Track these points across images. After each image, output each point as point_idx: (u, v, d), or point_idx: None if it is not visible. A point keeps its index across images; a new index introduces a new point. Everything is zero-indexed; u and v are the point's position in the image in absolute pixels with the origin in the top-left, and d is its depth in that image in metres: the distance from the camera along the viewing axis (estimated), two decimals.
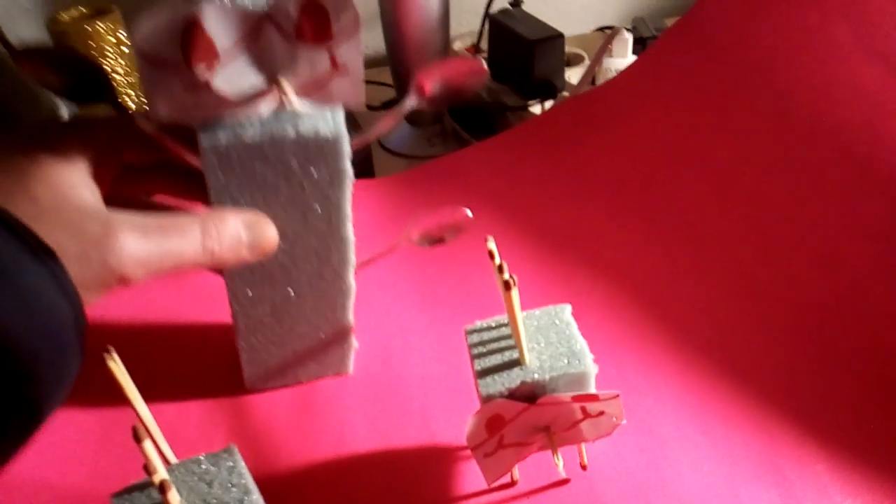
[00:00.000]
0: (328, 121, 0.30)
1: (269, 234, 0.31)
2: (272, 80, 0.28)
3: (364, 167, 0.59)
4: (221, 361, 0.39)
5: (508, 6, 0.68)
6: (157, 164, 0.33)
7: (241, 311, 0.35)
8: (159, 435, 0.28)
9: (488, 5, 0.66)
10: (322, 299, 0.36)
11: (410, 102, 0.34)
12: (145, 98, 0.27)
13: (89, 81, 0.31)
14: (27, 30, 0.74)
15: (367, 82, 0.74)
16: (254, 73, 0.28)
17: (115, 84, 0.56)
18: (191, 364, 0.41)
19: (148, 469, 0.24)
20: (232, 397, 0.39)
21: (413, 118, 0.67)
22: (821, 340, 0.40)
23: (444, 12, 0.61)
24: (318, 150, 0.30)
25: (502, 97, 0.65)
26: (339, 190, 0.32)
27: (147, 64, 0.26)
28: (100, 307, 0.28)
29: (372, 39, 0.84)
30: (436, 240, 0.37)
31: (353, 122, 0.61)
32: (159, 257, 0.27)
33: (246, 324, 0.36)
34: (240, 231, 0.30)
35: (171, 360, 0.41)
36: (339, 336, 0.38)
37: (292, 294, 0.35)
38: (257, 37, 0.27)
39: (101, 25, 0.62)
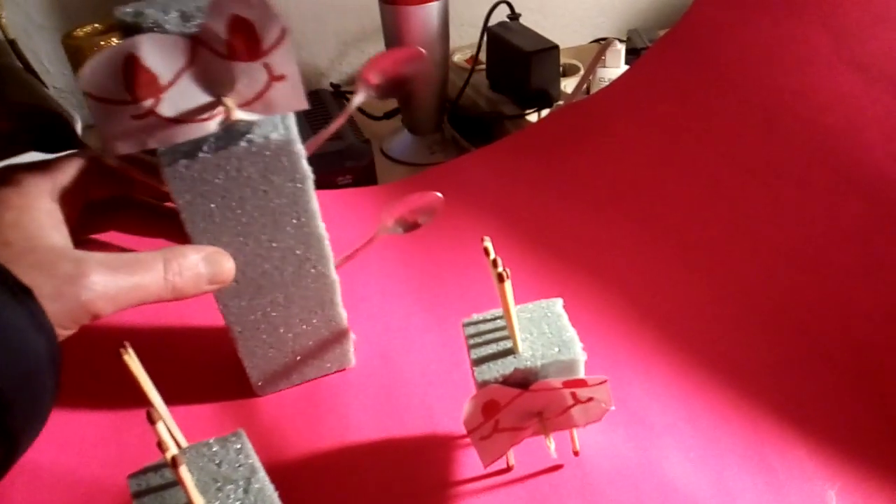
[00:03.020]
0: (279, 126, 0.31)
1: (227, 266, 0.33)
2: (216, 99, 0.29)
3: (367, 175, 0.61)
4: (229, 364, 0.40)
5: (506, 19, 0.70)
6: (117, 202, 0.35)
7: (235, 322, 0.36)
8: (171, 421, 0.30)
9: (487, 18, 0.69)
10: (310, 298, 0.37)
11: (360, 97, 0.36)
12: (100, 135, 0.28)
13: (54, 132, 0.32)
14: (42, 46, 0.76)
15: None
16: (197, 94, 0.29)
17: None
18: (200, 368, 0.42)
19: (161, 446, 0.26)
20: (240, 400, 0.40)
21: (414, 127, 0.69)
22: (802, 334, 0.42)
23: (444, 25, 0.63)
24: (274, 156, 0.31)
25: (500, 106, 0.67)
26: (302, 190, 0.33)
27: (95, 102, 0.27)
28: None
29: (375, 52, 0.86)
30: (410, 225, 0.38)
31: (356, 130, 0.63)
32: (126, 292, 0.29)
33: (243, 334, 0.37)
34: (199, 265, 0.32)
35: (180, 363, 0.42)
36: (336, 330, 0.39)
37: (280, 297, 0.36)
38: (193, 60, 0.28)
39: (115, 41, 0.65)
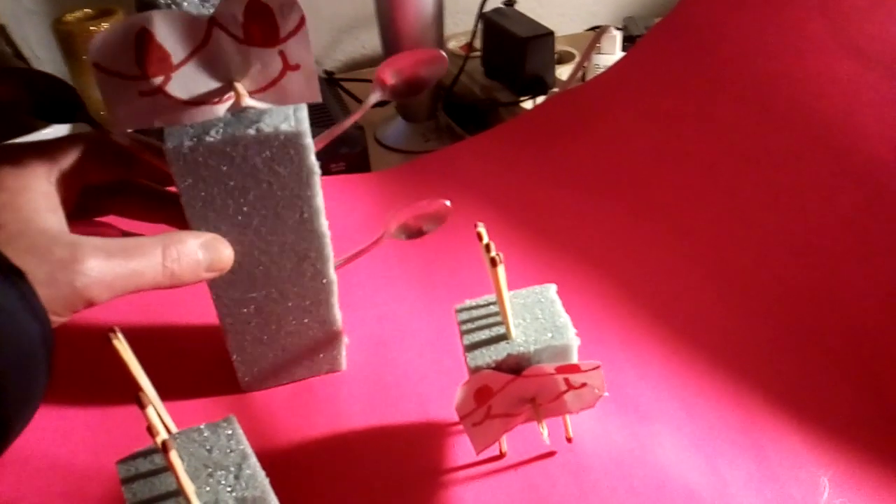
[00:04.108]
0: (290, 117, 0.30)
1: (226, 253, 0.32)
2: (227, 83, 0.29)
3: (360, 162, 0.60)
4: (218, 361, 0.40)
5: (502, 5, 0.69)
6: (116, 186, 0.34)
7: (227, 313, 0.36)
8: (161, 407, 0.30)
9: (482, 5, 0.68)
10: (305, 296, 0.36)
11: (375, 97, 0.35)
12: (106, 110, 0.28)
13: (62, 101, 0.31)
14: (32, 31, 0.75)
15: (365, 80, 0.76)
16: (208, 76, 0.28)
17: (93, 107, 0.54)
18: (191, 361, 0.41)
19: (151, 431, 0.25)
20: (229, 396, 0.39)
21: (408, 115, 0.68)
22: (797, 321, 0.42)
23: (439, 12, 0.62)
24: (281, 147, 0.31)
25: (495, 93, 0.67)
26: (308, 185, 0.32)
27: (105, 77, 0.27)
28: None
29: (369, 39, 0.86)
30: (415, 231, 0.38)
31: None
32: (123, 279, 0.28)
33: (234, 326, 0.36)
34: (197, 251, 0.31)
35: (169, 356, 0.41)
36: (329, 332, 0.38)
37: (274, 292, 0.35)
38: (207, 41, 0.27)
39: (106, 26, 0.64)
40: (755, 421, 0.36)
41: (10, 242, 0.26)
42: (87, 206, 0.33)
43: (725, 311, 0.43)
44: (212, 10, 0.27)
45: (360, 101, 0.72)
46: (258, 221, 0.33)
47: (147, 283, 0.29)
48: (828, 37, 0.48)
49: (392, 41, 0.64)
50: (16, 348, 0.24)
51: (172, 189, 0.35)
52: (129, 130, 0.30)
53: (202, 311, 0.44)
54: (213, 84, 0.29)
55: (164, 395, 0.33)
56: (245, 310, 0.36)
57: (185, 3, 0.28)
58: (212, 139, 0.30)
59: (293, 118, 0.31)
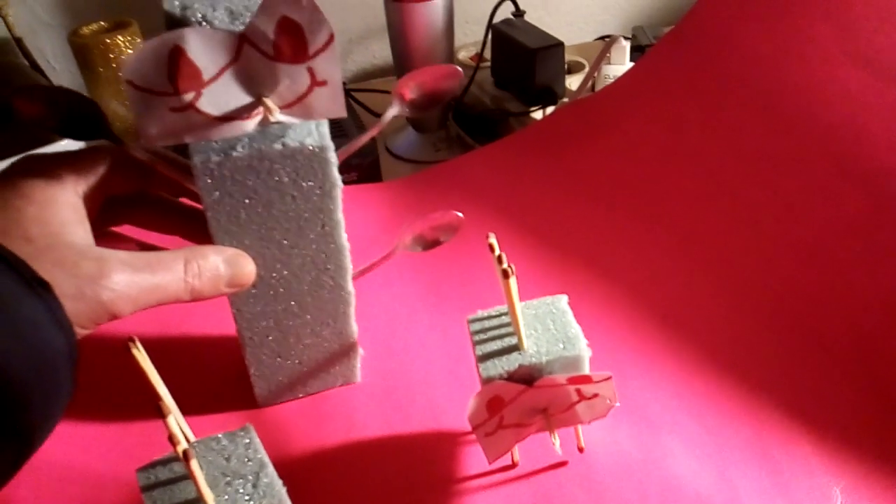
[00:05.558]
0: (313, 132, 0.31)
1: (248, 269, 0.33)
2: (256, 99, 0.29)
3: (372, 172, 0.61)
4: (234, 375, 0.40)
5: (511, 16, 0.70)
6: (134, 197, 0.34)
7: (247, 327, 0.36)
8: (180, 416, 0.30)
9: (491, 16, 0.69)
10: (323, 308, 0.36)
11: (393, 111, 0.36)
12: (136, 125, 0.28)
13: (84, 118, 0.32)
14: (49, 44, 0.76)
15: (375, 91, 0.77)
16: (238, 92, 0.29)
17: (109, 119, 0.55)
18: (204, 378, 0.41)
19: (172, 440, 0.26)
20: (245, 411, 0.39)
21: (419, 125, 0.69)
22: (806, 329, 0.42)
23: (449, 23, 0.63)
24: (306, 161, 0.31)
25: (505, 104, 0.67)
26: (330, 198, 0.33)
27: (137, 93, 0.27)
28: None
29: (380, 50, 0.87)
30: (430, 243, 0.38)
31: (360, 128, 0.64)
32: (147, 293, 0.28)
33: (252, 340, 0.36)
34: (219, 266, 0.31)
35: (184, 373, 0.40)
36: (345, 344, 0.39)
37: (294, 305, 0.36)
38: (238, 58, 0.28)
39: (121, 39, 0.65)
40: (766, 431, 0.37)
41: (39, 256, 0.26)
42: (105, 216, 0.33)
43: (736, 320, 0.43)
44: (242, 27, 0.28)
45: (371, 112, 0.72)
46: (280, 235, 0.33)
47: (169, 297, 0.30)
48: (834, 45, 0.48)
49: (402, 52, 0.64)
50: (41, 360, 0.24)
51: (187, 201, 0.36)
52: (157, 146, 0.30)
53: (217, 323, 0.44)
54: (243, 100, 0.29)
55: (181, 408, 0.33)
56: (264, 323, 0.36)
57: (217, 21, 0.29)
58: (238, 154, 0.30)
59: (316, 133, 0.31)
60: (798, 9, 0.52)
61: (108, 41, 0.64)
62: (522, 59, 0.64)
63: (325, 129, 0.32)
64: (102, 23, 0.68)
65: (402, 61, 0.65)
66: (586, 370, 0.32)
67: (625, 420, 0.37)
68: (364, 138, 0.35)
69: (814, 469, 0.35)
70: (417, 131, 0.69)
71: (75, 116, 0.32)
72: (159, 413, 0.26)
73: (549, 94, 0.65)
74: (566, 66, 0.68)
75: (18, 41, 0.71)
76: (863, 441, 0.36)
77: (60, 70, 0.78)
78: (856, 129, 0.46)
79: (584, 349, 0.31)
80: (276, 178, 0.31)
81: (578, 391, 0.32)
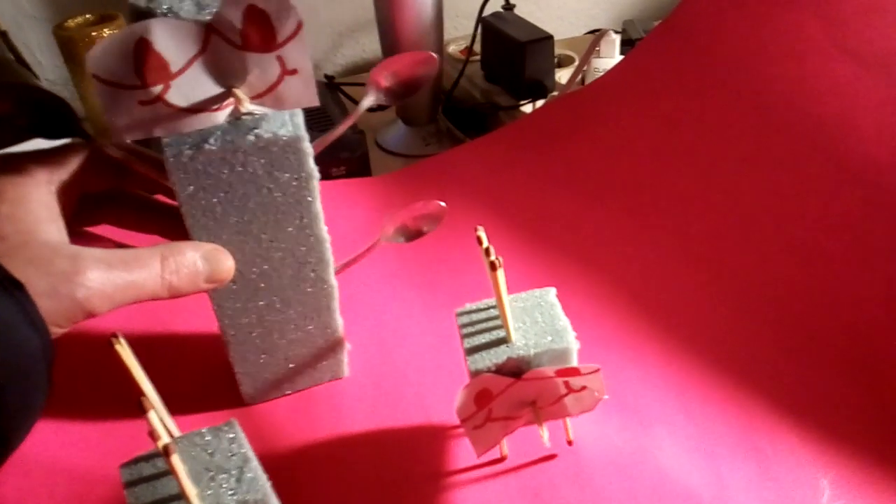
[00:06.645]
0: (287, 123, 0.30)
1: (227, 264, 0.32)
2: (226, 90, 0.29)
3: (361, 166, 0.61)
4: (219, 373, 0.39)
5: (501, 10, 0.70)
6: (110, 195, 0.34)
7: (229, 324, 0.35)
8: (163, 411, 0.30)
9: (481, 9, 0.68)
10: (307, 303, 0.36)
11: (369, 100, 0.35)
12: (107, 121, 0.28)
13: (55, 116, 0.31)
14: (34, 37, 0.75)
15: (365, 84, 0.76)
16: (207, 83, 0.28)
17: (93, 114, 0.53)
18: (189, 377, 0.41)
19: (153, 435, 0.25)
20: (231, 410, 0.39)
21: (409, 119, 0.68)
22: (795, 323, 0.42)
23: (438, 16, 0.63)
24: (281, 152, 0.31)
25: (495, 97, 0.67)
26: (307, 190, 0.32)
27: (104, 87, 0.27)
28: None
29: (370, 43, 0.86)
30: (413, 233, 0.38)
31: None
32: (123, 290, 0.28)
33: (236, 338, 0.36)
34: (197, 262, 0.31)
35: (169, 371, 0.40)
36: (331, 339, 0.38)
37: (276, 300, 0.35)
38: (206, 48, 0.27)
39: (107, 32, 0.64)
40: (755, 423, 0.37)
41: (12, 254, 0.26)
42: (81, 215, 0.33)
43: (725, 314, 0.43)
44: (209, 17, 0.27)
45: None
46: (258, 228, 0.33)
47: (146, 295, 0.29)
48: (825, 40, 0.48)
49: (392, 45, 0.64)
50: (15, 361, 0.24)
51: (163, 198, 0.35)
52: (128, 142, 0.30)
53: (206, 320, 0.43)
54: (213, 91, 0.29)
55: (170, 407, 0.33)
56: (247, 320, 0.35)
57: (182, 12, 0.28)
58: (211, 147, 0.30)
59: (290, 123, 0.31)
60: (788, 2, 0.52)
61: (94, 34, 0.64)
62: (512, 52, 0.64)
63: (300, 119, 0.31)
64: (88, 16, 0.67)
65: (392, 55, 0.65)
66: (574, 363, 0.32)
67: (613, 413, 0.37)
68: (341, 128, 0.35)
69: (802, 461, 0.35)
70: (407, 125, 0.69)
71: (45, 115, 0.31)
72: (140, 409, 0.26)
73: (538, 88, 0.65)
74: (556, 60, 0.68)
75: (3, 34, 0.70)
76: (850, 433, 0.36)
77: (46, 64, 0.77)
78: (847, 124, 0.46)
79: (572, 342, 0.31)
80: (251, 171, 0.31)
81: (567, 384, 0.31)
